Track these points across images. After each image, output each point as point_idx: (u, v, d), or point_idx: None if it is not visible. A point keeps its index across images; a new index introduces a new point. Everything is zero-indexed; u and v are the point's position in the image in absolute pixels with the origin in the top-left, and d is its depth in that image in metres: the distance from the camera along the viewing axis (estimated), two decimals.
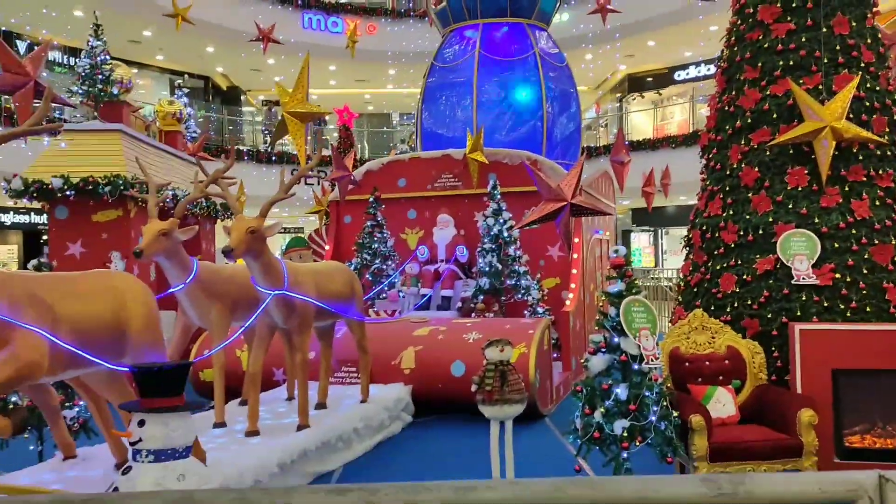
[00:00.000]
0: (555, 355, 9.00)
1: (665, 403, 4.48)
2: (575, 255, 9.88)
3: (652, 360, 4.52)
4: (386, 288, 10.14)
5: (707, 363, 5.08)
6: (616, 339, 4.64)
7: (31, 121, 3.37)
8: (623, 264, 4.78)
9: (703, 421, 4.45)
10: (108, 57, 9.51)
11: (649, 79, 25.17)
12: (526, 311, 9.28)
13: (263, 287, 5.49)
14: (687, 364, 5.10)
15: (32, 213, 22.09)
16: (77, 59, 13.53)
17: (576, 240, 10.03)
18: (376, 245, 10.31)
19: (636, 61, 24.05)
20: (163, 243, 5.38)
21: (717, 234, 5.81)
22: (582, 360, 4.86)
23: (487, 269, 9.54)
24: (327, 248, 11.39)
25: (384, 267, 10.31)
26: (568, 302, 9.29)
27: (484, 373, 4.77)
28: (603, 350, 4.72)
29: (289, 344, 6.94)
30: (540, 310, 9.22)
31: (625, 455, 4.47)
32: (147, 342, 4.12)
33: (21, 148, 11.76)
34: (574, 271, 9.76)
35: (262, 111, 27.51)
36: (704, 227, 5.97)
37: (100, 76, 9.37)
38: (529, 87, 11.81)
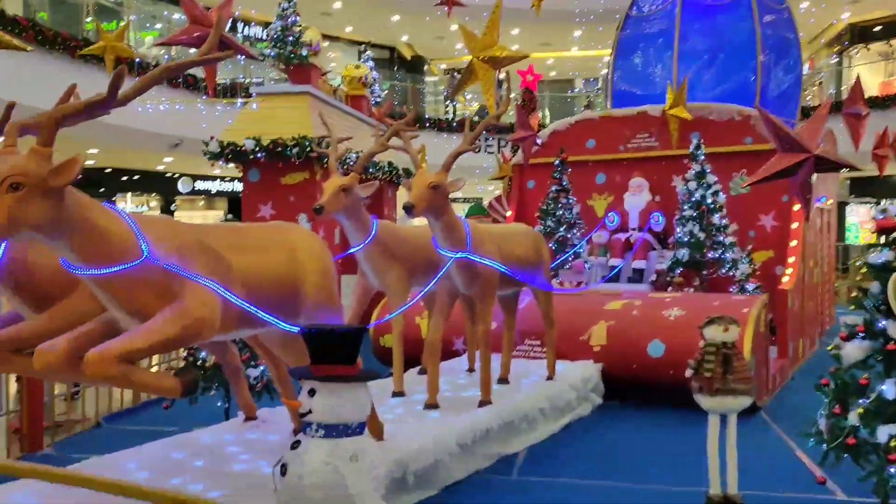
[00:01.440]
0: None
1: None
2: (795, 225, 8.55)
3: None
4: (570, 258, 9.40)
5: None
6: (881, 323, 3.64)
7: (204, 48, 3.08)
8: (893, 226, 3.72)
9: None
10: (297, 18, 9.54)
11: (877, 28, 21.88)
12: (732, 288, 8.15)
13: (444, 249, 5.02)
14: None
15: (235, 181, 23.75)
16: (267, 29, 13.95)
17: (796, 207, 8.68)
18: (561, 211, 9.59)
19: (862, 7, 20.95)
20: (343, 200, 5.10)
21: None
22: (830, 348, 3.89)
23: (687, 239, 8.50)
24: (508, 214, 10.84)
25: (569, 235, 9.58)
26: (785, 278, 8.04)
27: (702, 356, 3.95)
28: (861, 335, 3.74)
29: (470, 312, 6.49)
30: (749, 286, 8.06)
31: (893, 470, 3.49)
32: (322, 301, 3.77)
33: (219, 113, 12.35)
34: (793, 243, 8.45)
35: (444, 80, 27.49)
36: None
37: (290, 38, 9.42)
38: (741, 33, 10.38)
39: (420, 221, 5.57)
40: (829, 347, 3.92)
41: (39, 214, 2.65)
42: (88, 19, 15.90)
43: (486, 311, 5.28)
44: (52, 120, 2.73)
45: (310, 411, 2.81)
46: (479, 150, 21.00)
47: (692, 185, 8.56)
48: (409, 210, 4.67)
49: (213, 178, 23.47)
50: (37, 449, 5.41)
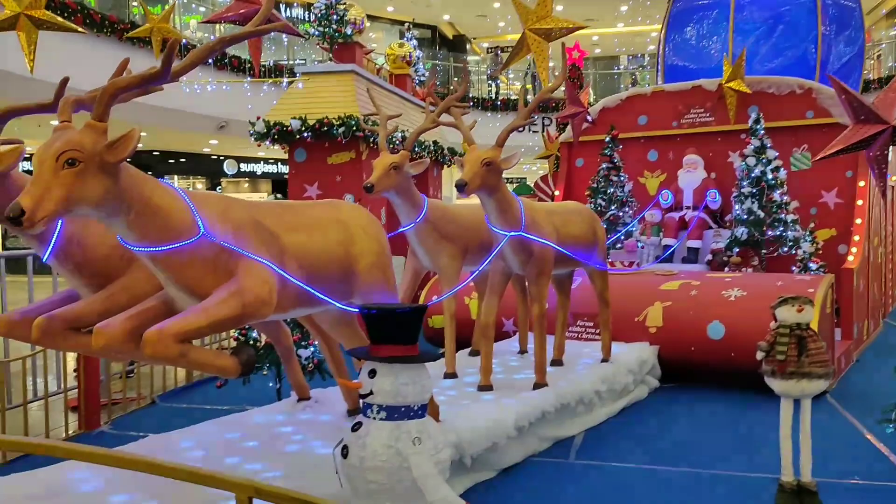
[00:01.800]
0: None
1: None
2: (860, 202, 8.17)
3: None
4: (622, 237, 9.16)
5: None
6: None
7: (256, 20, 2.98)
8: None
9: None
10: None
11: None
12: (793, 268, 7.84)
13: (498, 227, 4.88)
14: None
15: (279, 164, 23.91)
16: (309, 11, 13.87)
17: (861, 183, 8.31)
18: (612, 190, 9.34)
19: None
20: (393, 178, 5.00)
21: None
22: None
23: (746, 217, 8.20)
24: (556, 194, 10.62)
25: (621, 214, 9.33)
26: (851, 258, 7.69)
27: (775, 338, 3.74)
28: None
29: (521, 292, 6.36)
30: (812, 265, 7.74)
31: None
32: (377, 281, 3.68)
33: (266, 94, 12.34)
34: (858, 221, 8.08)
35: (486, 58, 27.17)
36: None
37: (334, 16, 9.31)
38: (800, 3, 9.93)
39: (468, 200, 5.44)
40: None
41: (97, 191, 2.60)
42: (135, 3, 16.05)
43: (541, 292, 5.13)
44: (107, 93, 2.67)
45: (371, 393, 2.72)
46: (523, 129, 20.69)
47: (751, 160, 8.23)
48: (462, 188, 4.53)
49: (258, 161, 23.68)
50: (94, 427, 5.48)
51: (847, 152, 4.44)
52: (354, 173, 9.01)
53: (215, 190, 23.96)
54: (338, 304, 3.29)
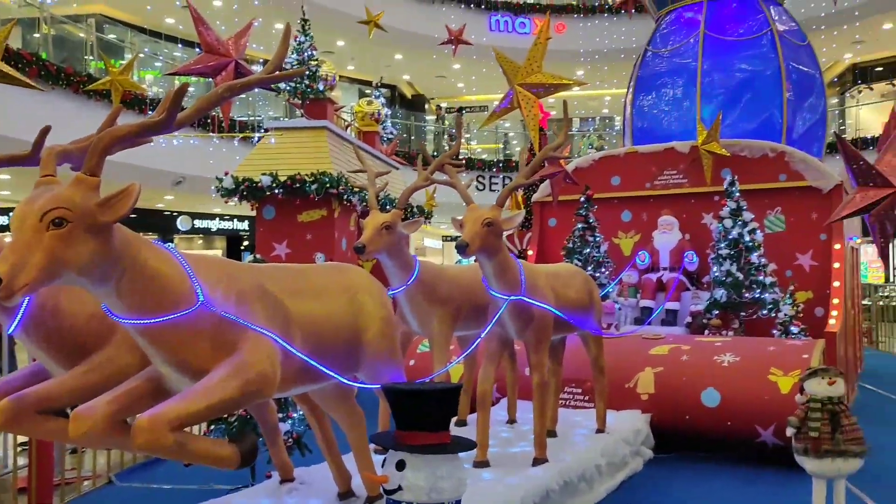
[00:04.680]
0: None
1: None
2: (836, 264, 8.22)
3: None
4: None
5: None
6: None
7: (269, 67, 2.70)
8: None
9: None
10: (314, 52, 9.27)
11: (879, 68, 21.99)
12: (774, 331, 7.78)
13: (498, 291, 4.61)
14: None
15: (235, 220, 23.36)
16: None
17: (837, 246, 8.37)
18: (588, 250, 9.22)
19: (865, 49, 21.09)
20: (385, 238, 4.73)
21: None
22: None
23: (725, 279, 8.14)
24: (530, 253, 10.47)
25: (597, 275, 9.18)
26: (833, 321, 7.65)
27: (806, 412, 3.54)
28: None
29: (510, 357, 6.06)
30: (794, 329, 7.67)
31: None
32: (384, 352, 3.35)
33: (228, 150, 12.02)
34: (836, 283, 8.09)
35: (448, 117, 27.42)
36: None
37: (306, 72, 9.14)
38: (764, 70, 10.18)
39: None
40: None
41: (86, 255, 2.24)
42: (90, 57, 15.67)
43: (540, 359, 4.84)
44: (103, 143, 2.34)
45: (399, 488, 2.37)
46: (483, 188, 20.65)
47: (728, 222, 8.23)
48: (463, 249, 4.27)
49: (213, 217, 23.10)
50: None
51: (857, 215, 4.38)
52: (326, 231, 8.70)
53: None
54: (357, 385, 2.96)
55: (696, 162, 9.10)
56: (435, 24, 18.40)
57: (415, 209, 11.14)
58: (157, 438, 2.31)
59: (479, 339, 4.84)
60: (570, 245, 9.32)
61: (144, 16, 17.69)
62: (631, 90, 11.45)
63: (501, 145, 24.55)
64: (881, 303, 16.69)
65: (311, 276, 3.20)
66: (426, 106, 27.54)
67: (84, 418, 2.45)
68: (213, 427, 4.73)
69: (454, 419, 5.94)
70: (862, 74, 22.30)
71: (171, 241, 23.42)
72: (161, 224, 22.65)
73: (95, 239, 2.28)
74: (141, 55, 16.59)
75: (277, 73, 2.75)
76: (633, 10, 13.71)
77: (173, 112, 2.38)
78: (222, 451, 2.56)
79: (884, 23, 18.89)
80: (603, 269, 9.22)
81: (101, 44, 15.90)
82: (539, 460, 4.76)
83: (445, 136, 25.33)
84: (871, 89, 22.16)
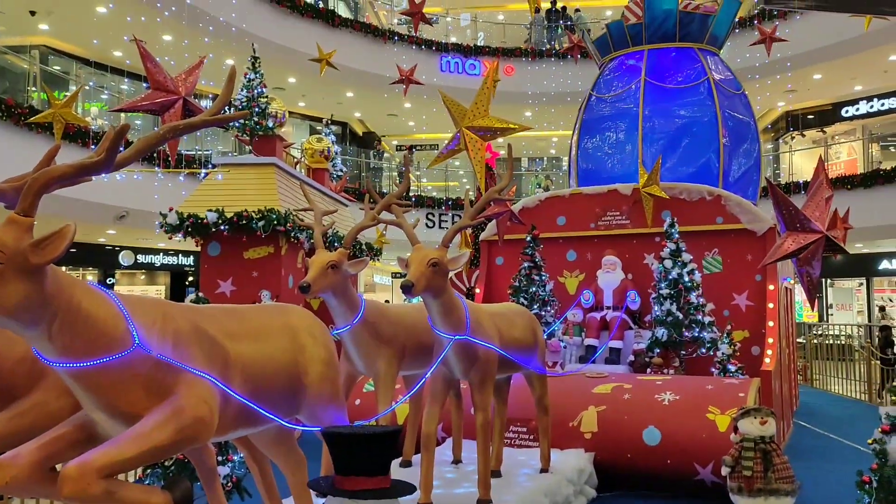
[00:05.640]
0: None
1: None
2: (770, 305, 8.51)
3: None
4: (546, 337, 9.11)
5: None
6: None
7: (213, 109, 2.72)
8: None
9: None
10: (264, 90, 9.28)
11: (810, 116, 23.09)
12: (713, 370, 7.98)
13: (443, 331, 4.64)
14: None
15: (180, 255, 22.89)
16: (230, 106, 13.69)
17: (771, 287, 8.68)
18: (534, 289, 9.34)
19: (797, 97, 22.13)
20: (331, 277, 4.71)
21: None
22: (871, 442, 3.64)
23: (665, 318, 8.34)
24: (477, 291, 10.55)
25: (543, 313, 9.31)
26: (768, 360, 7.90)
27: (740, 452, 3.64)
28: None
29: (456, 397, 6.06)
30: (731, 367, 7.89)
31: None
32: (326, 394, 3.33)
33: (174, 185, 11.84)
34: (770, 323, 8.37)
35: (397, 156, 27.61)
36: None
37: (256, 109, 9.13)
38: (702, 116, 10.61)
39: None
40: (869, 441, 3.67)
41: (16, 298, 2.20)
42: (33, 88, 15.34)
43: (484, 400, 4.86)
44: (38, 183, 2.31)
45: None
46: (433, 226, 20.72)
47: (668, 263, 8.47)
48: (408, 290, 4.30)
49: (157, 252, 22.60)
50: None
51: (783, 260, 4.58)
52: (273, 269, 8.61)
53: (107, 282, 22.55)
54: (299, 427, 2.93)
55: (637, 204, 9.38)
56: (387, 64, 18.60)
57: (363, 247, 11.14)
58: (85, 487, 2.25)
59: (424, 379, 4.85)
60: (517, 283, 9.43)
61: (91, 48, 17.40)
62: (576, 133, 11.78)
63: (452, 183, 24.82)
64: (815, 341, 17.28)
65: (252, 316, 3.17)
66: (377, 143, 27.67)
67: (8, 466, 2.37)
68: (148, 471, 4.59)
69: (399, 460, 5.93)
70: (794, 121, 23.36)
71: (113, 277, 22.80)
72: (103, 259, 22.03)
73: (27, 281, 2.23)
74: (86, 87, 16.29)
75: (221, 115, 2.76)
76: (579, 56, 14.19)
77: (112, 153, 2.37)
78: (154, 498, 2.50)
79: (814, 73, 19.89)
80: (548, 308, 9.35)
81: (45, 75, 15.58)
82: (483, 501, 4.75)
83: (395, 174, 25.48)
84: (804, 136, 23.22)
